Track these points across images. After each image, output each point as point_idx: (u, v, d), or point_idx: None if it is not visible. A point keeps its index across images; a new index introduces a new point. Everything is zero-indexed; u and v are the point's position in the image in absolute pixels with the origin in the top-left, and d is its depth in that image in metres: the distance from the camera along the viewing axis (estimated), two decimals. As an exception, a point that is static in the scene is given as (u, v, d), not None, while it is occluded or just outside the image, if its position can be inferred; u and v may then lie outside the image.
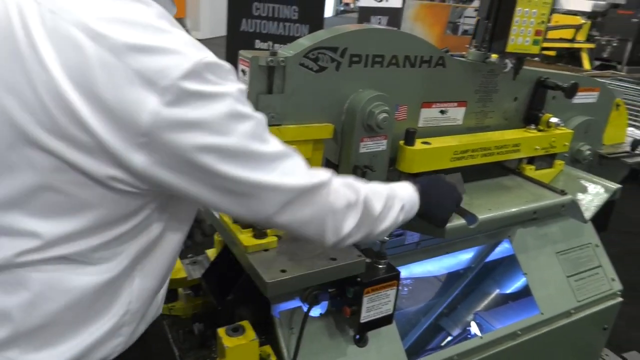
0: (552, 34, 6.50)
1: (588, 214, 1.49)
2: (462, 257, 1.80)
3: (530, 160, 1.55)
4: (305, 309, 1.26)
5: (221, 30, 12.04)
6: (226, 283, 1.32)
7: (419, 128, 1.39)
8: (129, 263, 0.81)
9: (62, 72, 0.66)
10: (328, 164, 1.35)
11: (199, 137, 0.70)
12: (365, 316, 1.24)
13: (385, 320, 1.29)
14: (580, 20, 6.58)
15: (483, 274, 1.81)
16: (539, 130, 1.53)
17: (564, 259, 1.85)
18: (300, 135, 1.18)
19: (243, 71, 1.12)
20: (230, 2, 3.23)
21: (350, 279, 1.22)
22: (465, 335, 1.60)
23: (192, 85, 0.68)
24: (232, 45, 3.45)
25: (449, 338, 1.60)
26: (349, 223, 0.93)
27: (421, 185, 1.13)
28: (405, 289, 1.87)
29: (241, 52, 1.12)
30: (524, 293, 1.75)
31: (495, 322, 1.67)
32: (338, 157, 1.30)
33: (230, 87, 0.74)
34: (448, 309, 1.71)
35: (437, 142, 1.34)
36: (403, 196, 1.07)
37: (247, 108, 0.76)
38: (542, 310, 1.70)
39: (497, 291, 1.80)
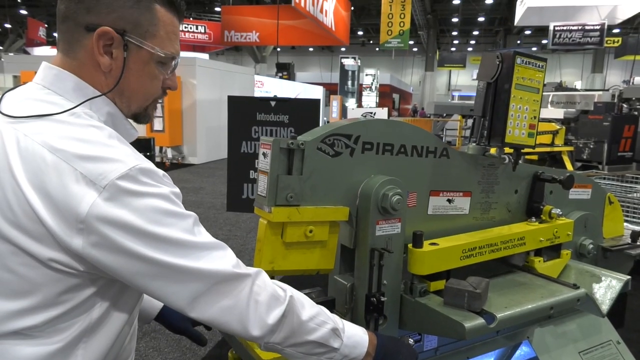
0: (531, 140, 6.86)
1: (604, 307, 1.47)
2: (483, 363, 1.72)
3: (538, 252, 1.57)
4: None
5: (214, 155, 12.58)
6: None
7: (429, 216, 1.44)
8: (72, 339, 0.91)
9: (25, 177, 0.84)
10: (343, 249, 1.37)
11: (128, 226, 0.84)
12: None
13: None
14: (555, 126, 7.02)
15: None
16: (541, 222, 1.57)
17: (588, 358, 1.78)
18: (317, 216, 1.22)
19: (264, 154, 1.19)
20: (231, 126, 3.45)
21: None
22: None
23: (127, 185, 0.84)
24: (233, 166, 3.61)
25: None
26: (274, 314, 0.95)
27: (380, 338, 1.11)
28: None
29: (262, 138, 1.22)
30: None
31: None
32: (353, 241, 1.32)
33: (163, 189, 0.89)
34: None
35: (444, 242, 1.37)
36: (345, 328, 1.04)
37: (178, 207, 0.90)
38: (576, 418, 1.60)
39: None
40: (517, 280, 1.49)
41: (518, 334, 1.70)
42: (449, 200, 1.48)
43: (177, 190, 0.94)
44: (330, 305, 1.31)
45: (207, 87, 12.24)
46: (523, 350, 1.78)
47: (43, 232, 0.84)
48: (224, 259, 0.93)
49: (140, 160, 0.89)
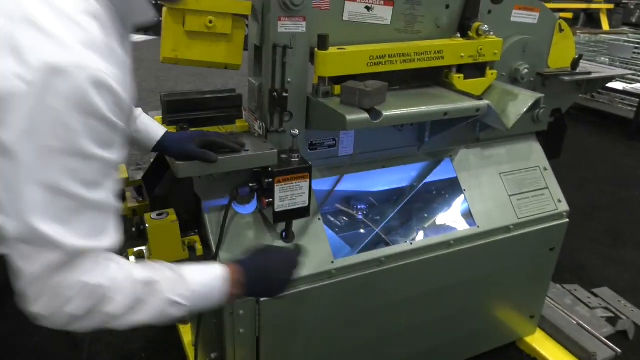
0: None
1: (508, 121, 1.54)
2: (403, 176, 1.87)
3: (459, 70, 1.58)
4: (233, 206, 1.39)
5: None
6: (160, 181, 1.46)
7: (345, 22, 1.43)
8: None
9: None
10: (256, 50, 1.44)
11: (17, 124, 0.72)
12: (279, 205, 1.35)
13: (301, 212, 1.39)
14: (598, -19, 6.34)
15: (424, 194, 1.88)
16: (468, 39, 1.56)
17: (509, 179, 1.90)
18: (216, 6, 1.26)
19: None
20: None
21: (266, 171, 1.34)
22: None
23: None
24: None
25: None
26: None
27: (247, 269, 1.03)
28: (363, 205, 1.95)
29: None
30: (465, 215, 1.80)
31: (431, 235, 1.74)
32: (260, 39, 1.37)
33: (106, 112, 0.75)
34: (385, 228, 1.77)
35: (353, 48, 1.42)
36: (185, 288, 0.92)
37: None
38: (478, 224, 1.76)
39: (438, 210, 1.87)
40: (429, 92, 1.54)
41: (441, 152, 1.81)
42: (368, 8, 1.47)
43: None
44: (238, 101, 1.43)
45: None
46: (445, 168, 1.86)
47: None
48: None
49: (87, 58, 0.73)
